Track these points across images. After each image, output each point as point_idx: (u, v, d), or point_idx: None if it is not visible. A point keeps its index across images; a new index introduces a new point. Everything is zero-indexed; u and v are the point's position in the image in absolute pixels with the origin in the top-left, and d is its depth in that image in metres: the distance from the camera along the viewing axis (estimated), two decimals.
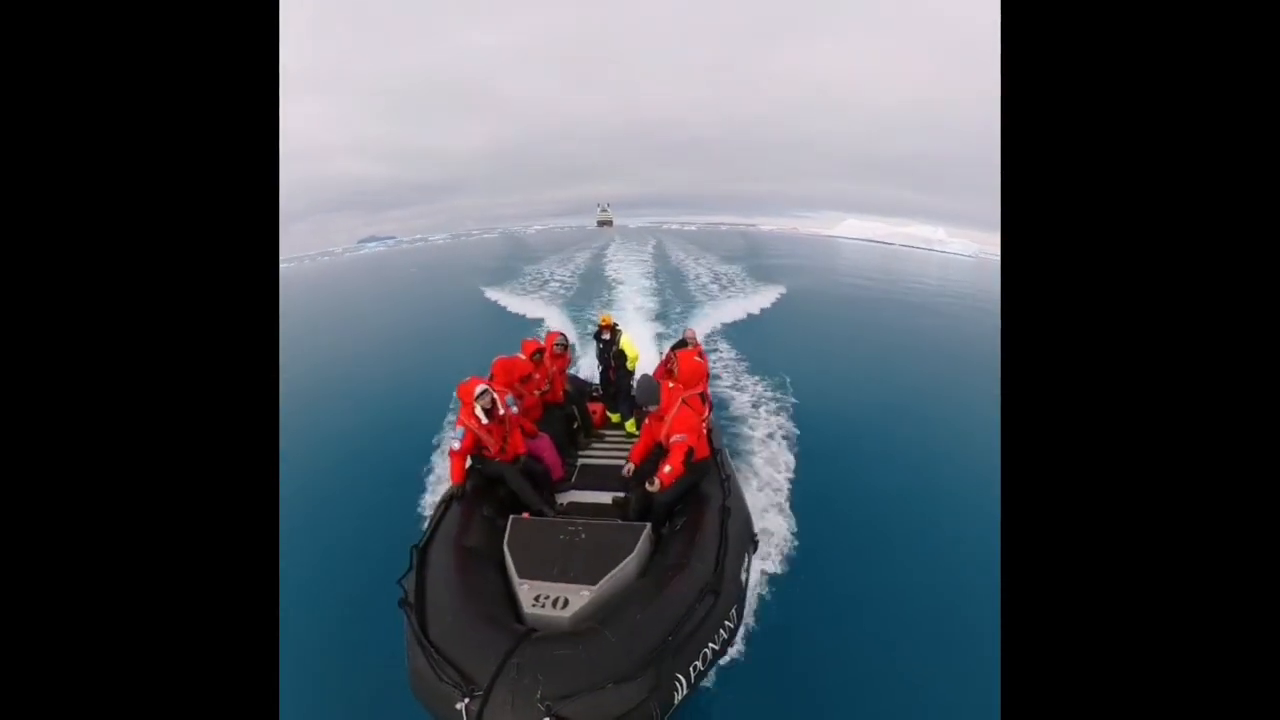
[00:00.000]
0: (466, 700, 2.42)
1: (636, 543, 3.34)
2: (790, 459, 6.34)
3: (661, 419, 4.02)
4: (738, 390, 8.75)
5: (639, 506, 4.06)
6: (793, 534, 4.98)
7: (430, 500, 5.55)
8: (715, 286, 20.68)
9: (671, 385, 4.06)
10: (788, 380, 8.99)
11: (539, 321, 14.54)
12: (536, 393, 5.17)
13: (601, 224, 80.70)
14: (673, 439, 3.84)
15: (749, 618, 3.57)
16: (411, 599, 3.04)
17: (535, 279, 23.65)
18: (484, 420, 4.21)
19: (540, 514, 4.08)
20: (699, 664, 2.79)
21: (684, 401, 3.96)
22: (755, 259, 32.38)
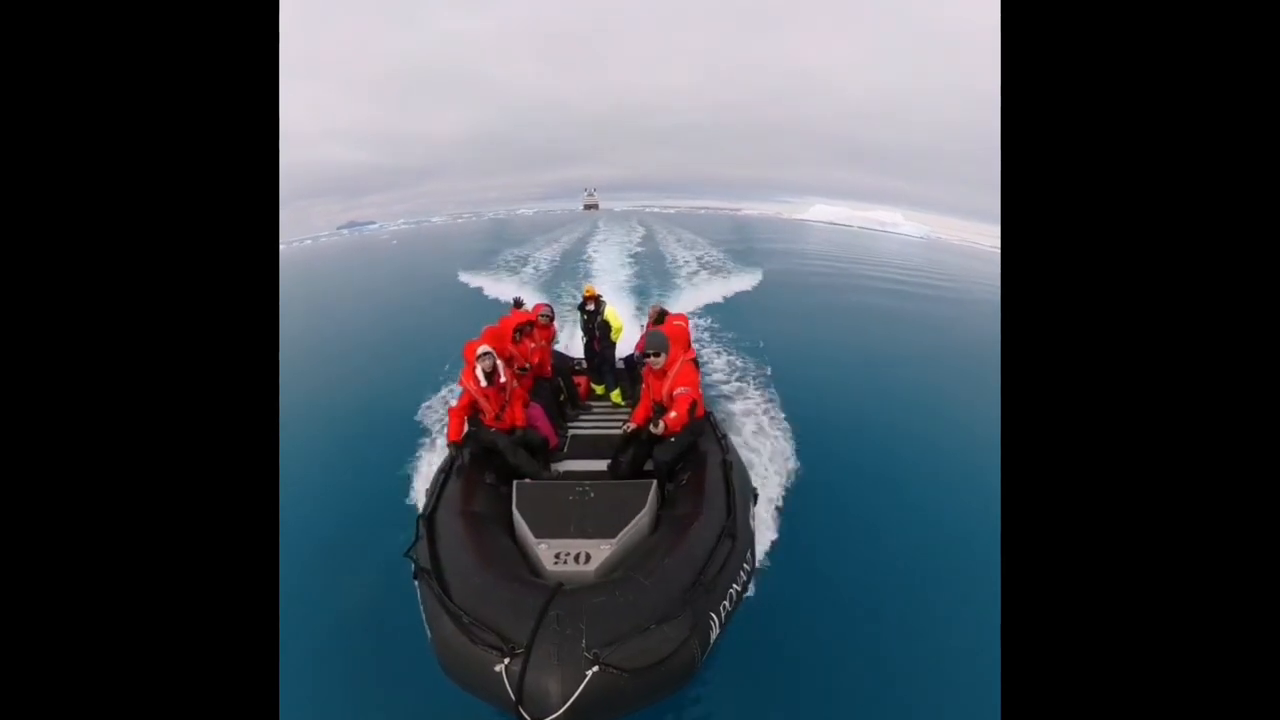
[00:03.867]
0: (506, 661, 2.12)
1: (648, 497, 3.21)
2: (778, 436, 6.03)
3: (663, 375, 3.90)
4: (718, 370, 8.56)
5: (635, 463, 3.95)
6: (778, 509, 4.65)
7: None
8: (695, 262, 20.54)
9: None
10: (761, 343, 8.91)
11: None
12: (518, 368, 4.69)
13: (588, 207, 78.99)
14: (676, 392, 3.76)
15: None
16: (427, 567, 2.78)
17: (543, 246, 26.31)
18: (483, 383, 3.94)
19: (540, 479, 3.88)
20: (727, 604, 2.67)
21: (685, 360, 3.90)
22: (734, 242, 31.90)
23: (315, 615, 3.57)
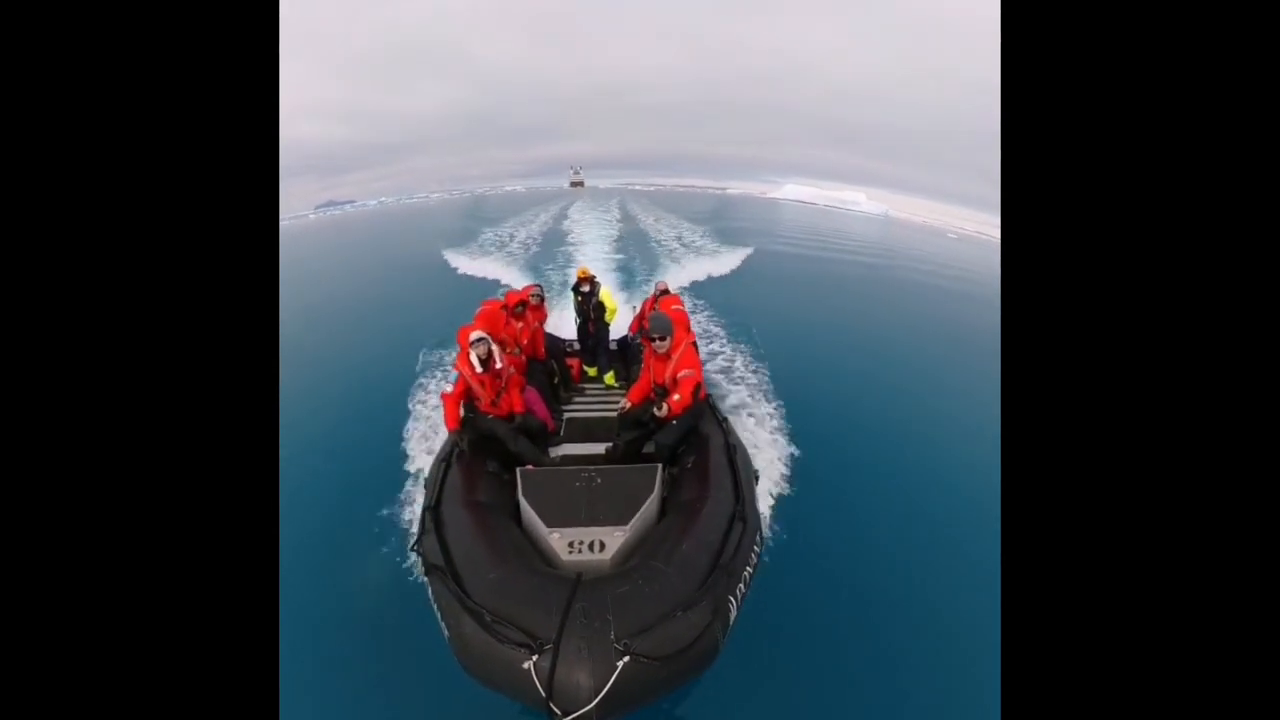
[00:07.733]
0: (535, 657, 1.94)
1: (655, 482, 2.94)
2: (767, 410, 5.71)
3: (667, 359, 3.60)
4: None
5: (633, 446, 3.67)
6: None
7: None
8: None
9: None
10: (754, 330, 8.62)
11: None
12: (514, 349, 4.36)
13: (574, 184, 76.20)
14: (680, 375, 3.48)
15: None
16: (440, 563, 2.48)
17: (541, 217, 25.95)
18: (478, 369, 3.57)
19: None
20: (742, 586, 2.51)
21: (687, 343, 3.62)
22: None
23: (309, 597, 3.25)
